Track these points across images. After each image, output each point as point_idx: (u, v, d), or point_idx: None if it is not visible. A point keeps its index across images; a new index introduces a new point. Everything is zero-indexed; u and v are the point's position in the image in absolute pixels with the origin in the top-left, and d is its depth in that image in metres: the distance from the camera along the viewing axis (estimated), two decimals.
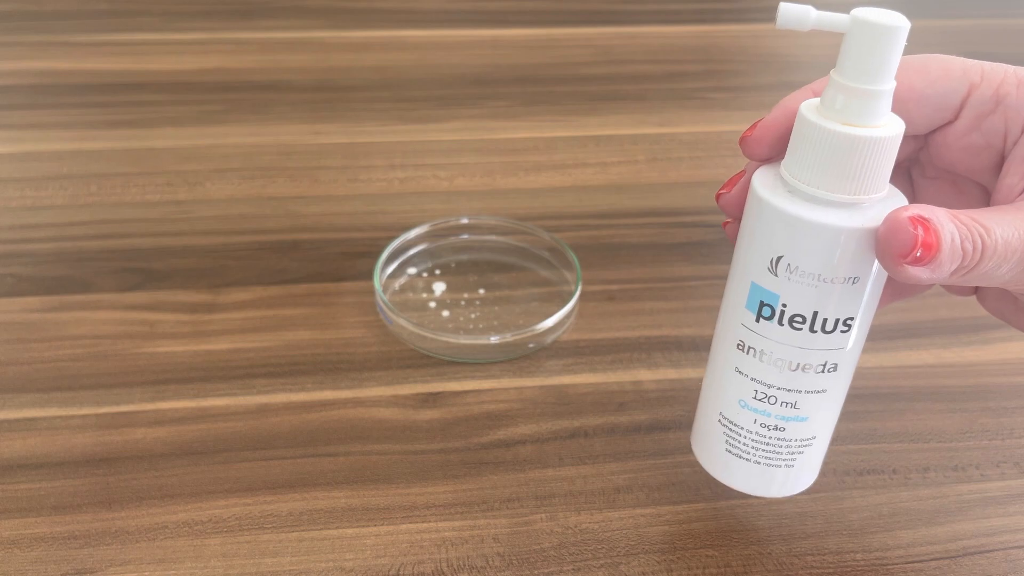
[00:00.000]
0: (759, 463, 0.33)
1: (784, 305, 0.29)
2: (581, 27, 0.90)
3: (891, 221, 0.26)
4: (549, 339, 0.46)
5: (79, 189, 0.58)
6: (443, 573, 0.34)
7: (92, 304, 0.48)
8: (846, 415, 0.42)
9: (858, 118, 0.27)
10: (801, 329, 0.29)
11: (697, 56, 0.84)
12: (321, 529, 0.36)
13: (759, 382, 0.31)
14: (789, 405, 0.31)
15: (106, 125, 0.66)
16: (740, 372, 0.31)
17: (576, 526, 0.36)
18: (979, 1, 1.03)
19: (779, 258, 0.29)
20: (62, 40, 0.80)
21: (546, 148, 0.66)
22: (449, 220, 0.53)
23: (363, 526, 0.36)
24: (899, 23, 0.26)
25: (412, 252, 0.52)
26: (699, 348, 0.46)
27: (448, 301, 0.49)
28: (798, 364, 0.30)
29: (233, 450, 0.39)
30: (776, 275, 0.29)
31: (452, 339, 0.44)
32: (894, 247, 0.26)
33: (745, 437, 0.32)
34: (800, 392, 0.31)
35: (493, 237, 0.53)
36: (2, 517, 0.36)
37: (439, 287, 0.50)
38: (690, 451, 0.40)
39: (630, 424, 0.41)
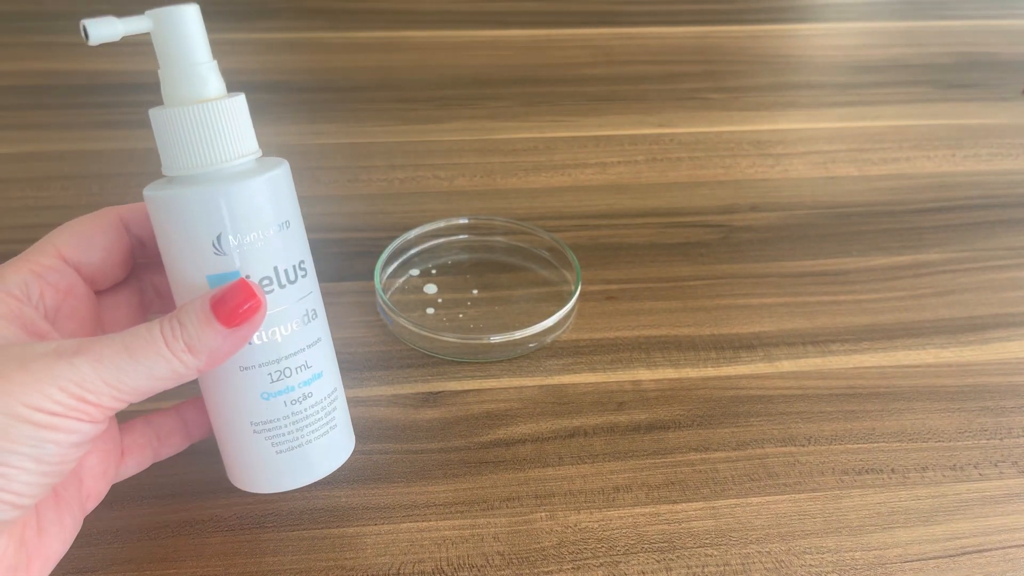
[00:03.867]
0: (311, 441, 0.33)
1: (247, 277, 0.30)
2: (580, 28, 0.90)
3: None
4: (549, 339, 0.46)
5: (80, 189, 0.58)
6: (443, 572, 0.34)
7: None
8: (845, 414, 0.42)
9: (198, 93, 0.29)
10: (272, 290, 0.30)
11: (696, 57, 0.84)
12: (322, 528, 0.36)
13: (267, 364, 0.31)
14: (303, 367, 0.32)
15: (107, 125, 0.66)
16: (244, 368, 0.31)
17: (576, 525, 0.36)
18: (979, 1, 1.03)
19: (219, 235, 0.29)
20: (63, 41, 0.80)
21: (545, 148, 0.66)
22: (449, 220, 0.53)
23: (363, 525, 0.36)
24: (191, 3, 0.29)
25: (412, 252, 0.52)
26: (698, 348, 0.46)
27: (448, 301, 0.49)
28: (287, 326, 0.31)
29: None
30: (225, 253, 0.29)
31: (452, 338, 0.44)
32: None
33: (286, 426, 0.32)
34: (304, 350, 0.32)
35: (493, 237, 0.54)
36: None
37: (439, 287, 0.50)
38: (692, 449, 0.40)
39: (629, 423, 0.41)
